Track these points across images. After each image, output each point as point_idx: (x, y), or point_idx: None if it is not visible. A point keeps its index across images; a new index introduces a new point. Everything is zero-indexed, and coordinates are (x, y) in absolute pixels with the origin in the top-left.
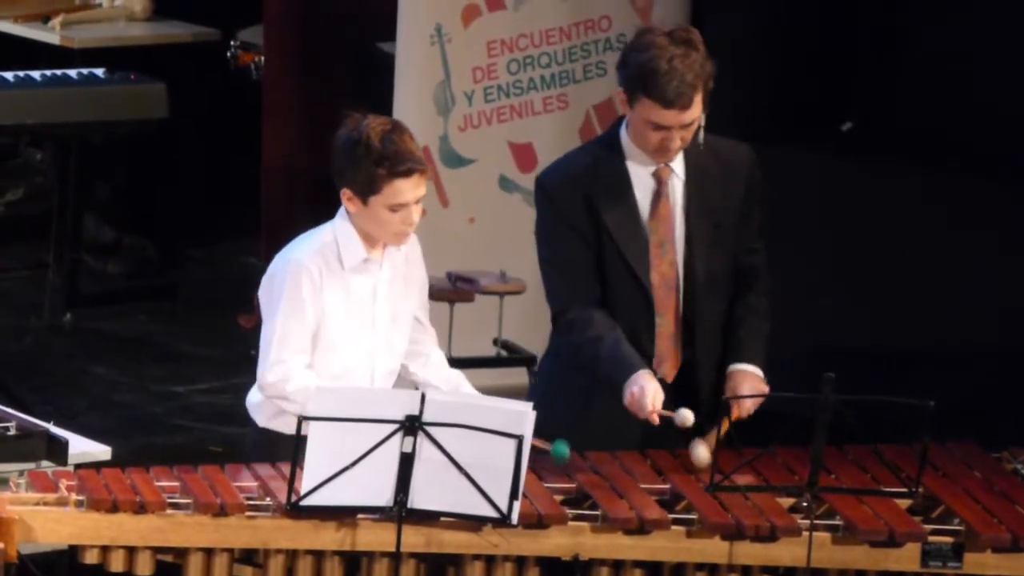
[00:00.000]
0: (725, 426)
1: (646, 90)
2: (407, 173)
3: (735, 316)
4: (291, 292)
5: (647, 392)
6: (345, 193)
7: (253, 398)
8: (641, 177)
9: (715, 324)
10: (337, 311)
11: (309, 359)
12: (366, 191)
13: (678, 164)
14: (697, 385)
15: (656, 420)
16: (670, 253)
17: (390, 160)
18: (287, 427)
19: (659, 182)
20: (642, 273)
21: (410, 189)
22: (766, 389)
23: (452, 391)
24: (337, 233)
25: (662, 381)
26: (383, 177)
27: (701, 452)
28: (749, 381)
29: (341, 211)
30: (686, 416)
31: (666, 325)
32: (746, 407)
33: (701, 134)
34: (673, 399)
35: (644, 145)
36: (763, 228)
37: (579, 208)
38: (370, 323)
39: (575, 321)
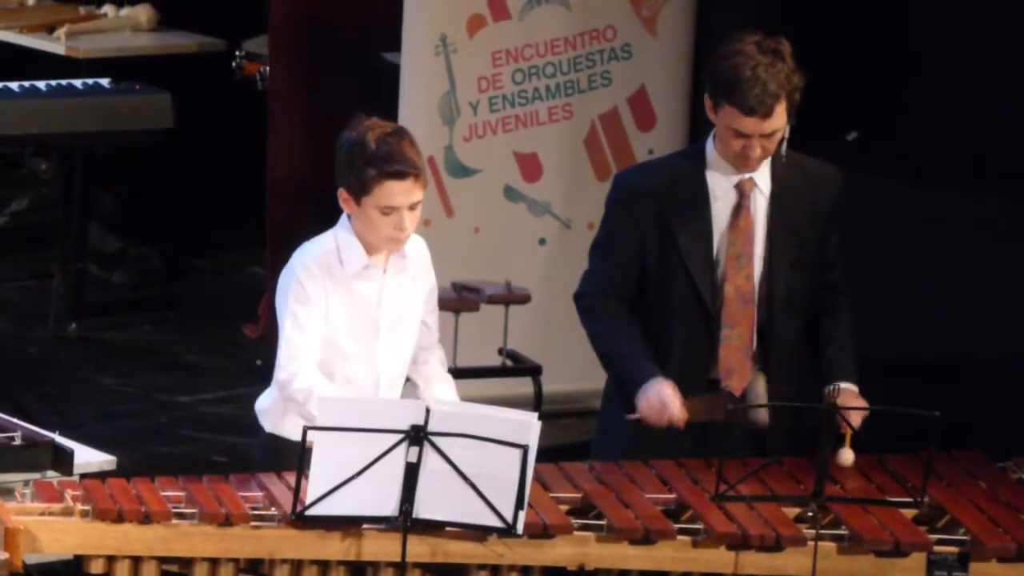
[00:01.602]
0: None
1: (728, 96)
2: (398, 175)
3: (824, 333)
4: (297, 293)
5: (665, 401)
6: (341, 194)
7: (261, 404)
8: (723, 188)
9: (790, 341)
10: (341, 316)
11: (316, 360)
12: (359, 191)
13: (763, 179)
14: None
15: (682, 424)
16: (747, 267)
17: (382, 161)
18: (293, 433)
19: (741, 194)
20: (704, 289)
21: (401, 192)
22: (864, 404)
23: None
24: (339, 239)
25: (730, 393)
26: (373, 177)
27: (847, 455)
28: (850, 398)
29: (343, 217)
30: (847, 458)
31: (737, 338)
32: (855, 423)
33: (784, 146)
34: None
35: (726, 152)
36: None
37: (649, 219)
38: (374, 328)
39: (594, 309)
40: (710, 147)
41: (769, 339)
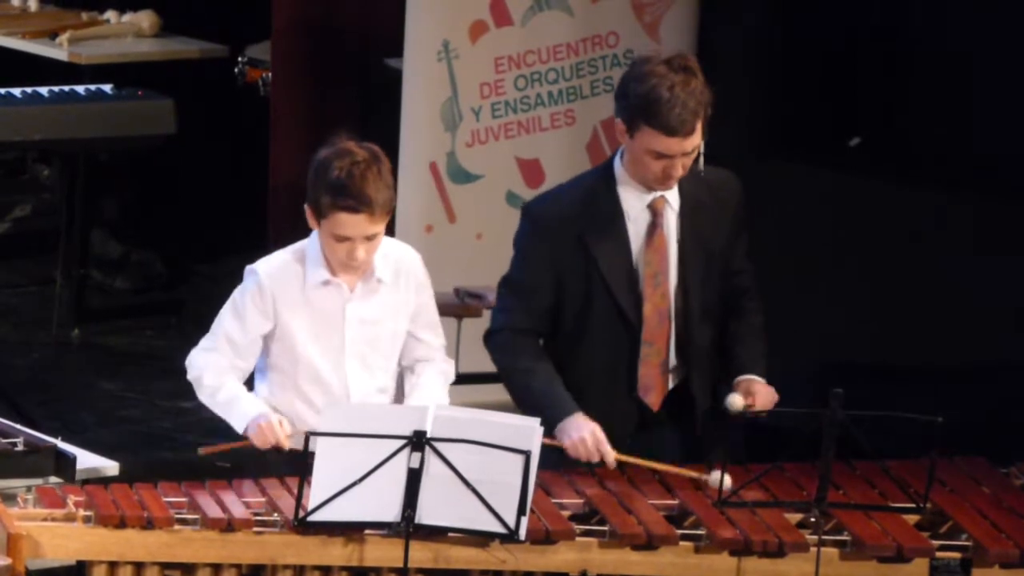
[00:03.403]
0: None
1: (648, 119)
2: (350, 209)
3: (732, 334)
4: (236, 298)
5: (598, 439)
6: (306, 209)
7: None
8: (636, 209)
9: (707, 351)
10: (300, 330)
11: (234, 359)
12: (317, 214)
13: (672, 195)
14: (693, 410)
15: (614, 464)
16: (663, 284)
17: (337, 191)
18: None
19: (654, 213)
20: (627, 306)
21: (352, 225)
22: (776, 396)
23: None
24: (307, 252)
25: (648, 409)
26: (328, 205)
27: (735, 400)
28: (760, 388)
29: (315, 231)
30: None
31: (655, 354)
32: (762, 402)
33: (701, 161)
34: (665, 425)
35: (645, 174)
36: (752, 249)
37: (567, 246)
38: (339, 344)
39: (511, 345)
40: (619, 168)
41: (688, 351)
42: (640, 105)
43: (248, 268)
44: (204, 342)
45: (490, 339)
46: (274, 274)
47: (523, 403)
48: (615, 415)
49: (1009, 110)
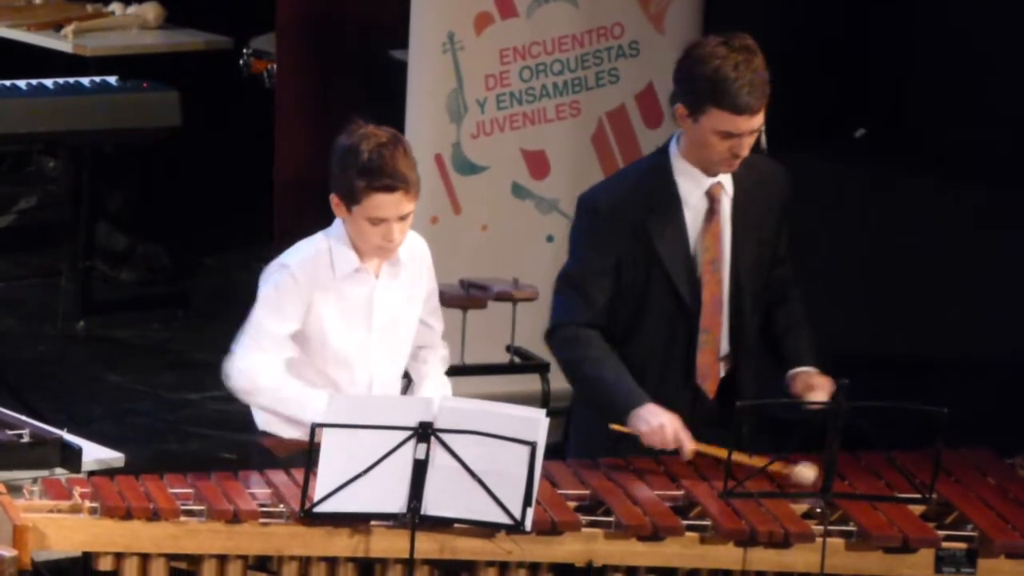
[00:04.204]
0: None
1: (716, 100)
2: (387, 188)
3: (782, 324)
4: (271, 293)
5: (676, 428)
6: (333, 199)
7: None
8: (694, 195)
9: (754, 339)
10: (330, 318)
11: (282, 355)
12: (349, 200)
13: (727, 182)
14: (740, 398)
15: (690, 454)
16: (720, 271)
17: (372, 173)
18: (283, 431)
19: (712, 199)
20: (687, 294)
21: (390, 205)
22: (832, 387)
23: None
24: (331, 241)
25: (703, 397)
26: (363, 189)
27: (807, 473)
28: (818, 379)
29: (337, 220)
30: (804, 474)
31: (712, 342)
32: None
33: (763, 139)
34: (717, 414)
35: (710, 157)
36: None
37: (624, 234)
38: (367, 332)
39: (577, 338)
40: (675, 154)
41: (739, 339)
42: (707, 87)
43: (275, 264)
44: (243, 349)
45: (553, 335)
46: (305, 265)
47: (592, 392)
48: (670, 403)
49: (1019, 99)
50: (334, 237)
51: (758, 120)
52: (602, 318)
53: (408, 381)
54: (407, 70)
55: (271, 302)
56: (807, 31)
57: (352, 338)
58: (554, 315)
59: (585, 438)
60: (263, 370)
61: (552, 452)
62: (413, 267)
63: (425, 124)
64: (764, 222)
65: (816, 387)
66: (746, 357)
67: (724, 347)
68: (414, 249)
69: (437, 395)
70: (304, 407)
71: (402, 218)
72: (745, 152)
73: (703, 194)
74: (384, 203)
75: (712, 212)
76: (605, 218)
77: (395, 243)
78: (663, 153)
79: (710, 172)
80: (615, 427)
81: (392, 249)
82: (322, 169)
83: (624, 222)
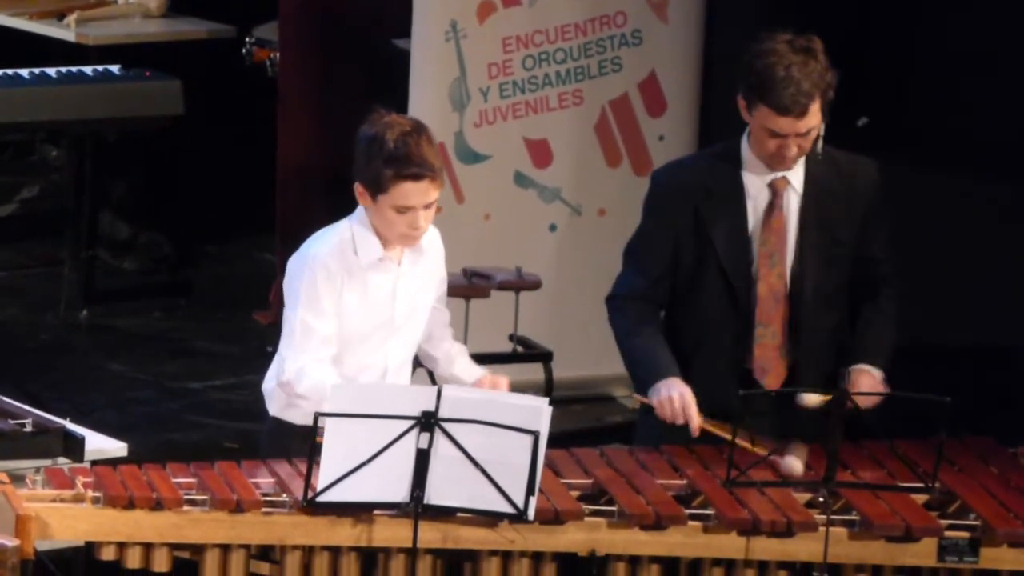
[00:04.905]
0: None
1: (762, 97)
2: (415, 177)
3: (864, 319)
4: (308, 288)
5: (686, 402)
6: (357, 188)
7: (268, 385)
8: (756, 187)
9: (821, 337)
10: (354, 308)
11: (330, 353)
12: (374, 189)
13: (796, 177)
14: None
15: (698, 432)
16: (779, 265)
17: (399, 162)
18: (298, 418)
19: (774, 193)
20: (737, 281)
21: (417, 193)
22: (883, 389)
23: (460, 372)
24: (355, 229)
25: (757, 388)
26: (390, 178)
27: (795, 464)
28: (866, 380)
29: (360, 208)
30: (793, 465)
31: (771, 336)
32: (862, 402)
33: (820, 144)
34: (777, 409)
35: (761, 152)
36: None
37: (684, 215)
38: (389, 319)
39: (625, 309)
40: (745, 146)
41: (799, 335)
42: (756, 83)
43: (304, 256)
44: (296, 354)
45: (608, 303)
46: (333, 255)
47: (627, 362)
48: (717, 391)
49: (1014, 92)
50: (357, 226)
51: (805, 123)
52: (657, 290)
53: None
54: (410, 59)
55: (311, 298)
56: (807, 19)
57: (372, 325)
58: (614, 286)
59: (645, 422)
60: (326, 378)
61: (555, 441)
62: (432, 255)
63: (428, 113)
64: (840, 221)
65: (855, 384)
66: (806, 354)
67: (787, 342)
68: (432, 237)
69: (476, 369)
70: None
71: (427, 206)
72: (792, 154)
73: (766, 186)
74: (411, 191)
75: (773, 206)
76: (666, 194)
77: (421, 231)
78: (736, 142)
79: (770, 166)
80: (637, 397)
81: (417, 237)
82: (325, 157)
83: (683, 202)
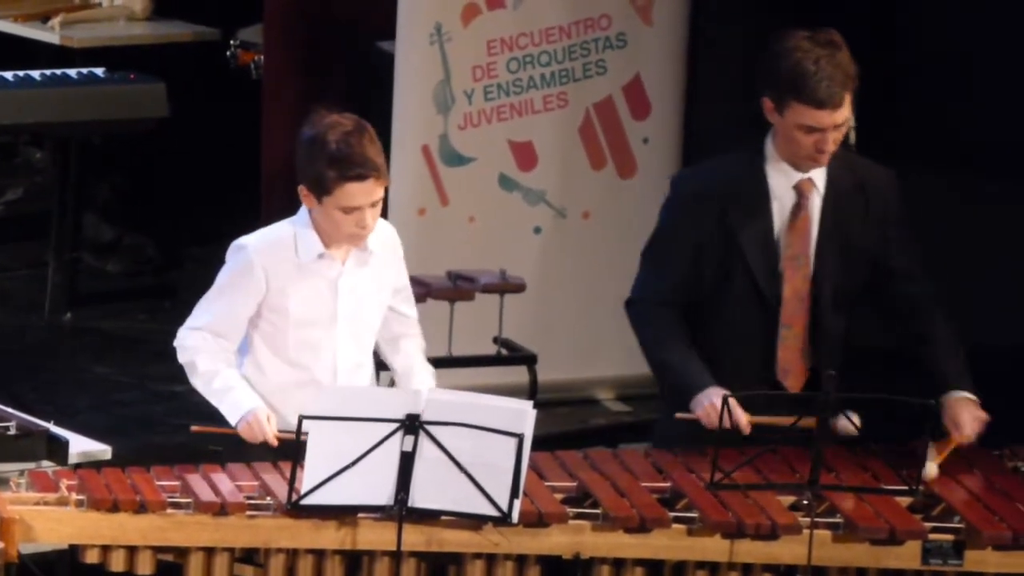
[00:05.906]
0: (946, 451)
1: (797, 94)
2: (358, 177)
3: (936, 340)
4: (226, 276)
5: (730, 404)
6: (301, 190)
7: None
8: (782, 188)
9: (838, 339)
10: (295, 303)
11: (218, 343)
12: (319, 191)
13: (820, 178)
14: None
15: (749, 429)
16: (804, 267)
17: (341, 163)
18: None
19: (800, 195)
20: (765, 284)
21: (362, 193)
22: (984, 416)
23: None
24: (296, 228)
25: (783, 390)
26: (333, 179)
27: (931, 468)
28: (969, 409)
29: (303, 209)
30: (929, 468)
31: (793, 338)
32: (967, 433)
33: (852, 135)
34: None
35: (796, 151)
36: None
37: (708, 219)
38: (331, 318)
39: (648, 316)
40: (769, 148)
41: (817, 337)
42: (788, 80)
43: (235, 244)
44: (193, 321)
45: (628, 308)
46: (264, 249)
47: (659, 376)
48: (744, 391)
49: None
50: (299, 224)
51: (841, 115)
52: (678, 295)
53: (382, 370)
54: (394, 61)
55: (223, 286)
56: (793, 21)
57: (317, 323)
58: (632, 288)
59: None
60: (202, 353)
61: (539, 443)
62: (384, 255)
63: (412, 115)
64: (857, 227)
65: (960, 425)
66: (826, 356)
67: (808, 345)
68: (384, 236)
69: (427, 387)
70: (223, 402)
71: (374, 204)
72: (830, 147)
73: (792, 188)
74: (356, 192)
75: (799, 207)
76: (690, 200)
77: (368, 229)
78: (759, 145)
79: (799, 167)
80: (679, 415)
81: (364, 236)
82: None
83: (708, 207)
